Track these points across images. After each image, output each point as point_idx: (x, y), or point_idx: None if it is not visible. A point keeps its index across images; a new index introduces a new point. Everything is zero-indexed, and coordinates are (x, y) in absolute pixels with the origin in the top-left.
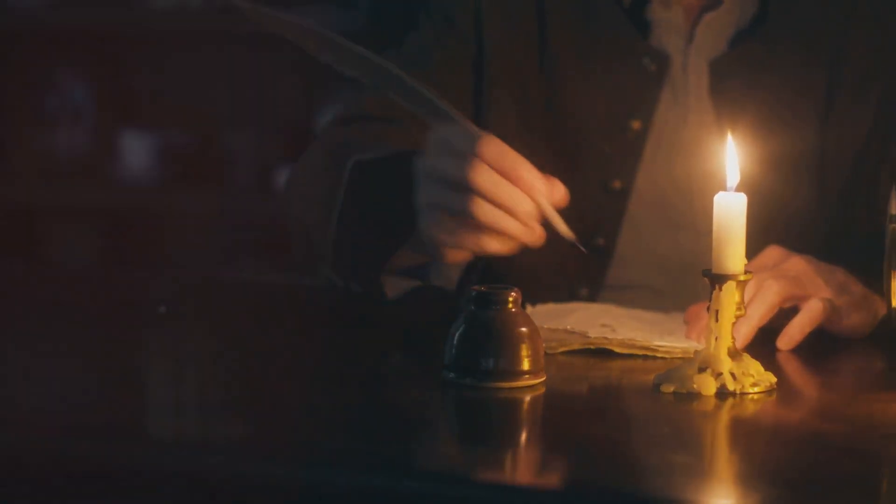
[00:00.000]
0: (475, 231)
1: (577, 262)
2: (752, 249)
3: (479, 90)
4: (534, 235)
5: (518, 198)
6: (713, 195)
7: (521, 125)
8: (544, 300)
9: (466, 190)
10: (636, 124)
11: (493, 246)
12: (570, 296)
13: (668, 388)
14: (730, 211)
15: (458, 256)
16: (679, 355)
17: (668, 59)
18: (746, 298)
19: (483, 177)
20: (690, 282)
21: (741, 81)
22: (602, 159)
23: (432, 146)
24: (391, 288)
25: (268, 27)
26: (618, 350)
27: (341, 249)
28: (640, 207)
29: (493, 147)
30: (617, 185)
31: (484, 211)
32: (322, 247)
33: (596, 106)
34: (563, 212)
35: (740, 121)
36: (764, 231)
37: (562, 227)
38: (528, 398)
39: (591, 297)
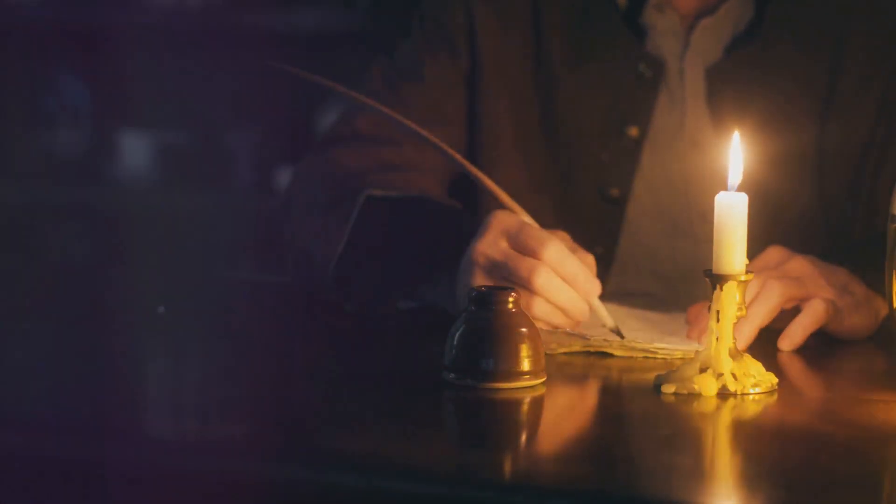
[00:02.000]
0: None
1: None
2: (754, 250)
3: (473, 102)
4: (577, 323)
5: (574, 301)
6: (711, 201)
7: (516, 135)
8: None
9: (525, 287)
10: (633, 131)
11: (543, 326)
12: None
13: (669, 389)
14: (731, 210)
15: None
16: (679, 356)
17: (664, 65)
18: (748, 299)
19: (543, 280)
20: (689, 289)
21: (738, 86)
22: (599, 167)
23: (489, 231)
24: (400, 302)
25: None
26: (618, 353)
27: (344, 278)
28: (639, 215)
29: (556, 251)
30: (615, 192)
31: (541, 309)
32: (323, 273)
33: (592, 113)
34: (562, 220)
35: (737, 125)
36: (765, 232)
37: (608, 320)
38: (528, 399)
39: None
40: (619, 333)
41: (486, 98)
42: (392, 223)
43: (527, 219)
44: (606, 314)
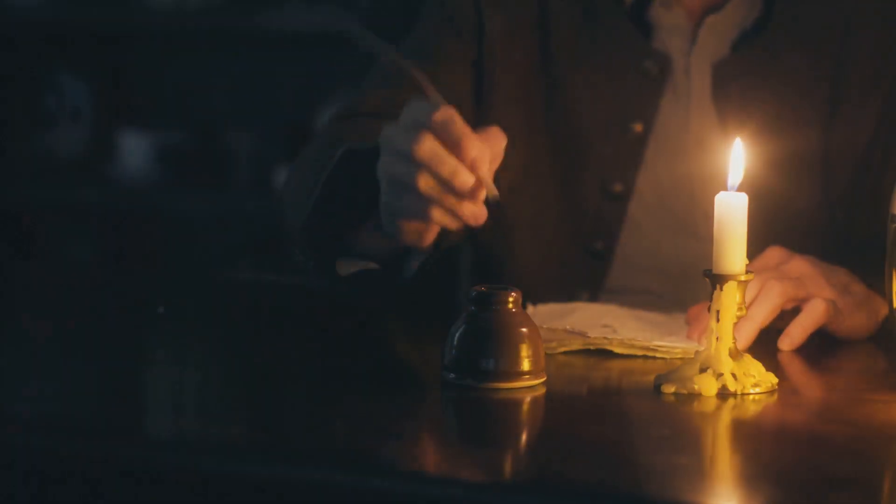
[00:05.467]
0: (422, 202)
1: (577, 266)
2: (756, 250)
3: (480, 90)
4: (471, 211)
5: (458, 171)
6: (714, 199)
7: (521, 127)
8: (546, 302)
9: (412, 161)
10: (638, 127)
11: (438, 218)
12: (570, 299)
13: (669, 389)
14: (731, 210)
15: (410, 230)
16: (679, 355)
17: (670, 62)
18: (749, 299)
19: (425, 148)
20: (691, 287)
21: (744, 84)
22: (603, 162)
23: (400, 118)
24: (343, 267)
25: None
26: (617, 350)
27: (312, 225)
28: (641, 211)
29: (443, 117)
30: (618, 188)
31: (425, 182)
32: (295, 225)
33: (597, 108)
34: (563, 214)
35: (743, 123)
36: (767, 232)
37: (491, 189)
38: (528, 399)
39: (592, 301)
40: (497, 203)
41: (493, 89)
42: (365, 174)
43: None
44: (491, 185)
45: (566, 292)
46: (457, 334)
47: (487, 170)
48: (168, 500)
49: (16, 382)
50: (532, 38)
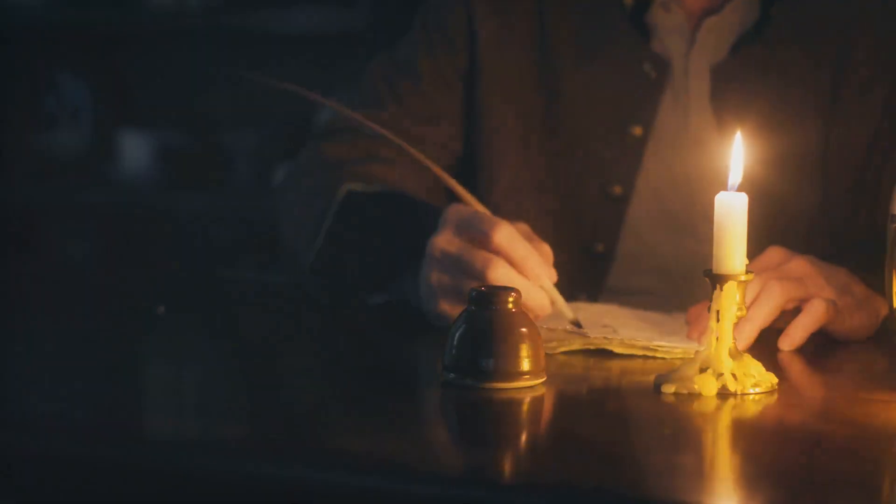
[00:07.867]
0: None
1: (576, 267)
2: (757, 250)
3: (472, 100)
4: (537, 317)
5: (530, 292)
6: (713, 200)
7: (519, 132)
8: None
9: (481, 280)
10: (637, 130)
11: None
12: (569, 300)
13: (669, 389)
14: (731, 210)
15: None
16: (679, 355)
17: (669, 65)
18: (749, 299)
19: (499, 274)
20: (690, 288)
21: (743, 86)
22: (602, 164)
23: (446, 226)
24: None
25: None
26: (617, 350)
27: (321, 269)
28: (640, 213)
29: (507, 234)
30: (617, 190)
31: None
32: (304, 263)
33: (596, 111)
34: (563, 216)
35: (742, 124)
36: (767, 231)
37: (565, 309)
38: (528, 399)
39: (591, 301)
40: (578, 325)
41: (487, 96)
42: (368, 217)
43: (482, 210)
44: (564, 304)
45: (566, 293)
46: (457, 334)
47: (557, 291)
48: (168, 500)
49: (15, 382)
50: (530, 40)
